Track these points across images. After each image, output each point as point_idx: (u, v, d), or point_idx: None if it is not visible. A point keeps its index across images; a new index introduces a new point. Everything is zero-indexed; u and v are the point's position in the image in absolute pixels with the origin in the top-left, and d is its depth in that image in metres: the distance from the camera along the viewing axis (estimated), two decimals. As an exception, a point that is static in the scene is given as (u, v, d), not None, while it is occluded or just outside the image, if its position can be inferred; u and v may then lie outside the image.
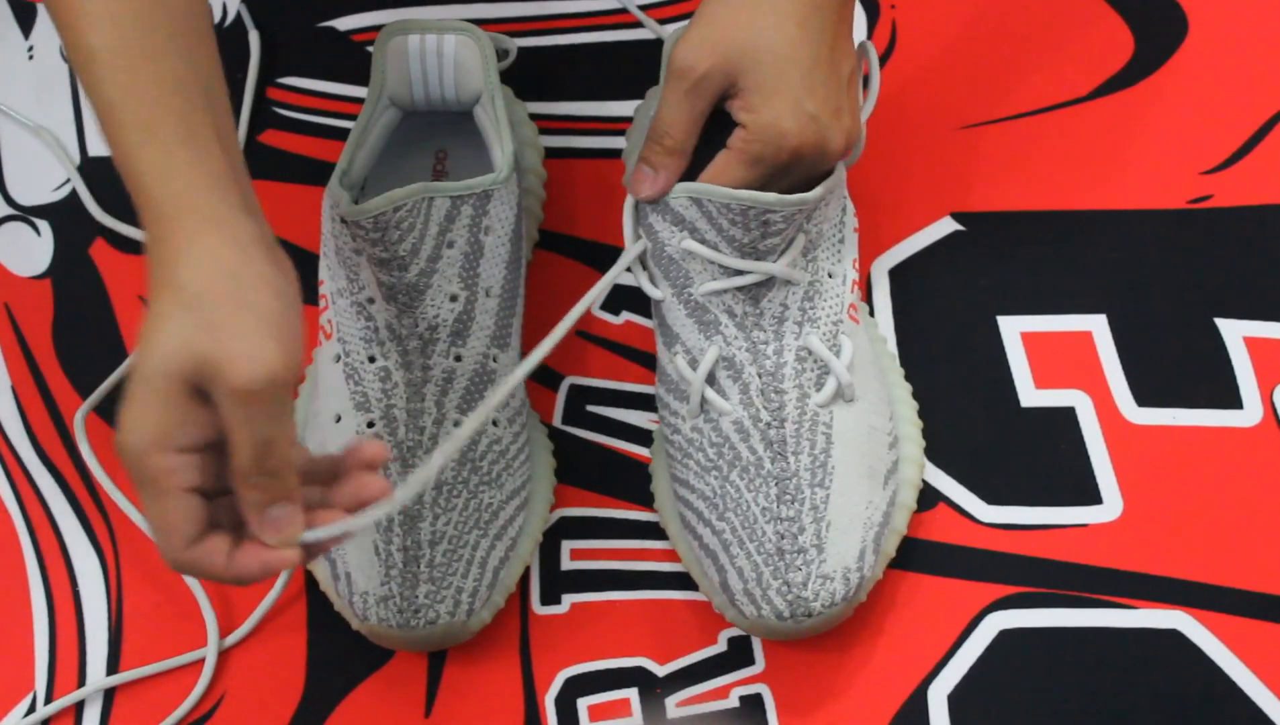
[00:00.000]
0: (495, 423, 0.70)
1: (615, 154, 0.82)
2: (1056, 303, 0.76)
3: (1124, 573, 0.70)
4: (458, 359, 0.69)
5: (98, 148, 0.87)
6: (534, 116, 0.81)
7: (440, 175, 0.78)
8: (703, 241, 0.67)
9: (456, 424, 0.69)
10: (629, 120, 0.80)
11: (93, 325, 0.81)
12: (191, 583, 0.74)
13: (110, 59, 0.56)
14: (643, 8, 0.87)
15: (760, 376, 0.68)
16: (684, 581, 0.72)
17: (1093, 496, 0.72)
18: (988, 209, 0.79)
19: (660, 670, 0.70)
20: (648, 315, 0.78)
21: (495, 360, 0.70)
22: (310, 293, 0.71)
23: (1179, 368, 0.74)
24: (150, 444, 0.53)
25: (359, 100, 0.85)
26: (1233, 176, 0.79)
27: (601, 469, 0.75)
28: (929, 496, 0.73)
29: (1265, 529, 0.71)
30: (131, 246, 0.83)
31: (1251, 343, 0.75)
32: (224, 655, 0.73)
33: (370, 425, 0.69)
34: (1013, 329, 0.76)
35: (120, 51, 0.56)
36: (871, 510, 0.68)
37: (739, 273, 0.67)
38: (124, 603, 0.74)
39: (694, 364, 0.69)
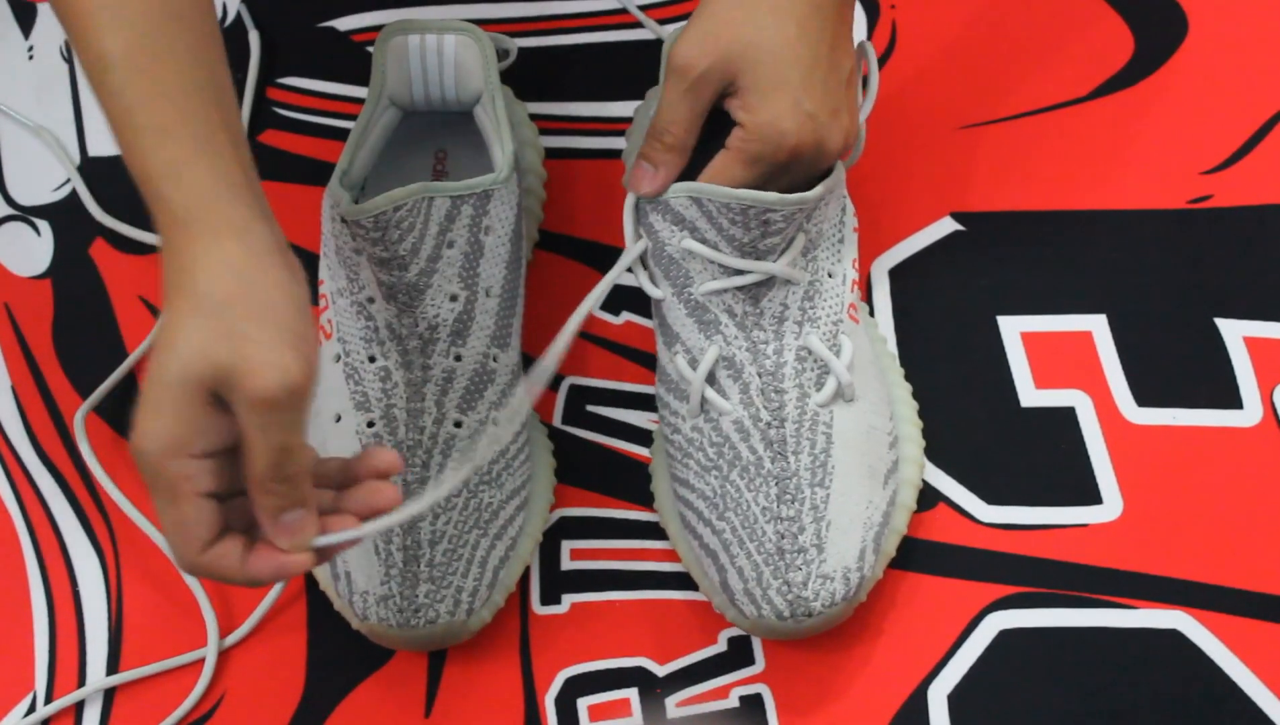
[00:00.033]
0: (495, 422, 0.70)
1: (615, 154, 0.82)
2: (1056, 303, 0.76)
3: (1124, 573, 0.70)
4: (458, 359, 0.69)
5: (98, 148, 0.87)
6: (534, 116, 0.81)
7: (440, 175, 0.78)
8: (703, 241, 0.67)
9: (457, 424, 0.69)
10: (629, 120, 0.80)
11: (93, 325, 0.81)
12: (191, 582, 0.74)
13: (124, 63, 0.56)
14: (643, 8, 0.87)
15: (760, 376, 0.68)
16: (684, 581, 0.72)
17: (1093, 496, 0.72)
18: (988, 209, 0.79)
19: (660, 670, 0.70)
20: (648, 315, 0.78)
21: (495, 360, 0.70)
22: (310, 292, 0.71)
23: (1179, 368, 0.74)
24: (167, 449, 0.53)
25: (359, 100, 0.85)
26: (1233, 176, 0.79)
27: (601, 469, 0.75)
28: (929, 496, 0.73)
29: (1265, 529, 0.71)
30: (131, 246, 0.83)
31: (1251, 343, 0.75)
32: (224, 655, 0.73)
33: (370, 425, 0.69)
34: (1013, 329, 0.76)
35: (134, 55, 0.56)
36: (871, 510, 0.68)
37: (739, 272, 0.67)
38: (124, 603, 0.74)
39: (694, 364, 0.69)
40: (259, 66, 0.87)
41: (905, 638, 0.70)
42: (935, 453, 0.73)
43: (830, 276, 0.70)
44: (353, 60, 0.87)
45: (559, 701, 0.70)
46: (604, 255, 0.80)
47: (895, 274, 0.78)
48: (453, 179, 0.77)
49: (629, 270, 0.70)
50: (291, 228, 0.76)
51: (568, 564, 0.73)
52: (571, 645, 0.71)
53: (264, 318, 0.53)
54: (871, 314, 0.77)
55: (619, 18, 0.87)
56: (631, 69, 0.85)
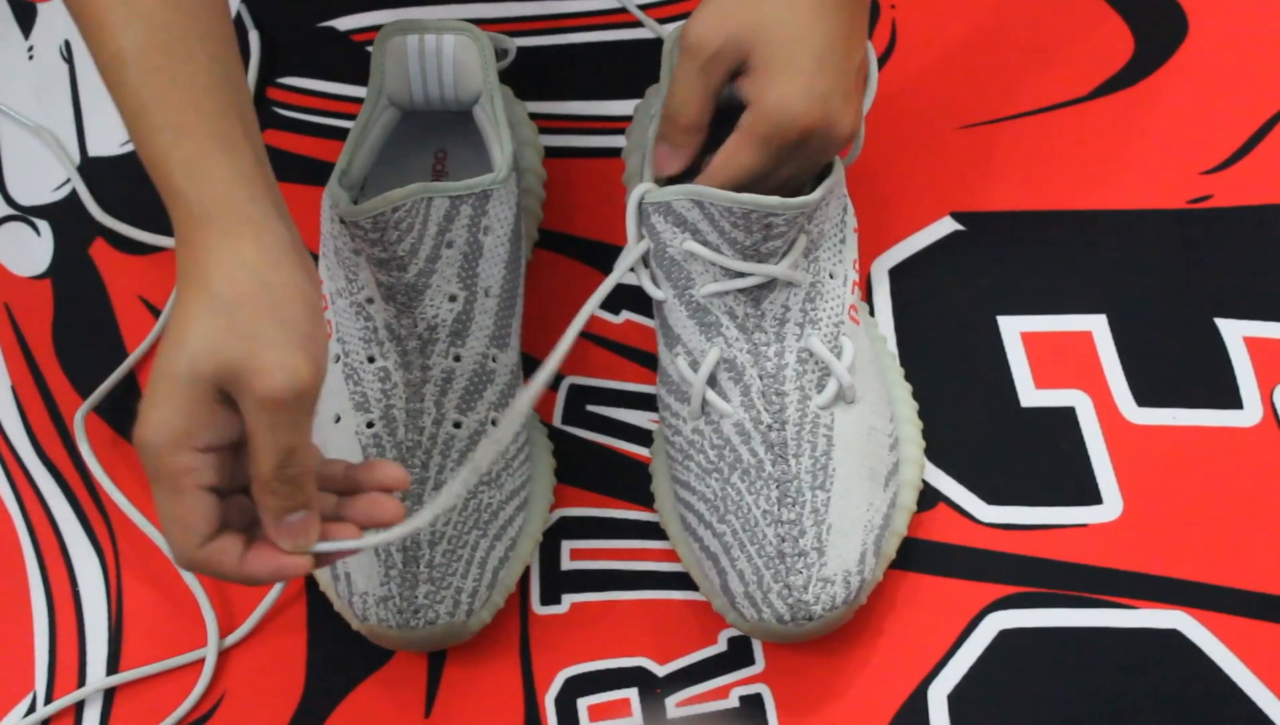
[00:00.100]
0: (495, 423, 0.70)
1: (615, 153, 0.82)
2: (1056, 303, 0.76)
3: (1124, 573, 0.70)
4: (457, 359, 0.69)
5: (98, 148, 0.87)
6: (534, 116, 0.81)
7: (440, 175, 0.78)
8: (704, 243, 0.67)
9: (456, 425, 0.69)
10: (629, 119, 0.80)
11: (93, 325, 0.81)
12: (191, 582, 0.74)
13: (140, 60, 0.56)
14: (642, 7, 0.87)
15: (761, 378, 0.68)
16: (684, 582, 0.72)
17: (1093, 496, 0.72)
18: (988, 209, 0.79)
19: (660, 670, 0.70)
20: (648, 315, 0.78)
21: (494, 360, 0.70)
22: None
23: (1179, 368, 0.74)
24: (171, 442, 0.53)
25: (359, 100, 0.85)
26: (1233, 176, 0.79)
27: (601, 469, 0.75)
28: (929, 497, 0.73)
29: (1265, 529, 0.71)
30: (131, 246, 0.83)
31: (1251, 343, 0.75)
32: (224, 655, 0.73)
33: (369, 425, 0.69)
34: (1013, 329, 0.76)
35: (150, 53, 0.56)
36: (872, 513, 0.68)
37: (740, 274, 0.67)
38: (124, 603, 0.74)
39: (695, 365, 0.69)
40: (259, 66, 0.87)
41: (905, 638, 0.70)
42: (935, 453, 0.73)
43: (831, 277, 0.70)
44: (352, 60, 0.87)
45: (559, 701, 0.70)
46: (604, 254, 0.80)
47: (895, 274, 0.78)
48: (452, 179, 0.77)
49: (630, 270, 0.70)
50: (291, 228, 0.77)
51: (568, 564, 0.73)
52: (571, 645, 0.71)
53: (275, 318, 0.54)
54: (872, 314, 0.77)
55: (619, 17, 0.87)
56: (631, 68, 0.85)
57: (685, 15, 0.84)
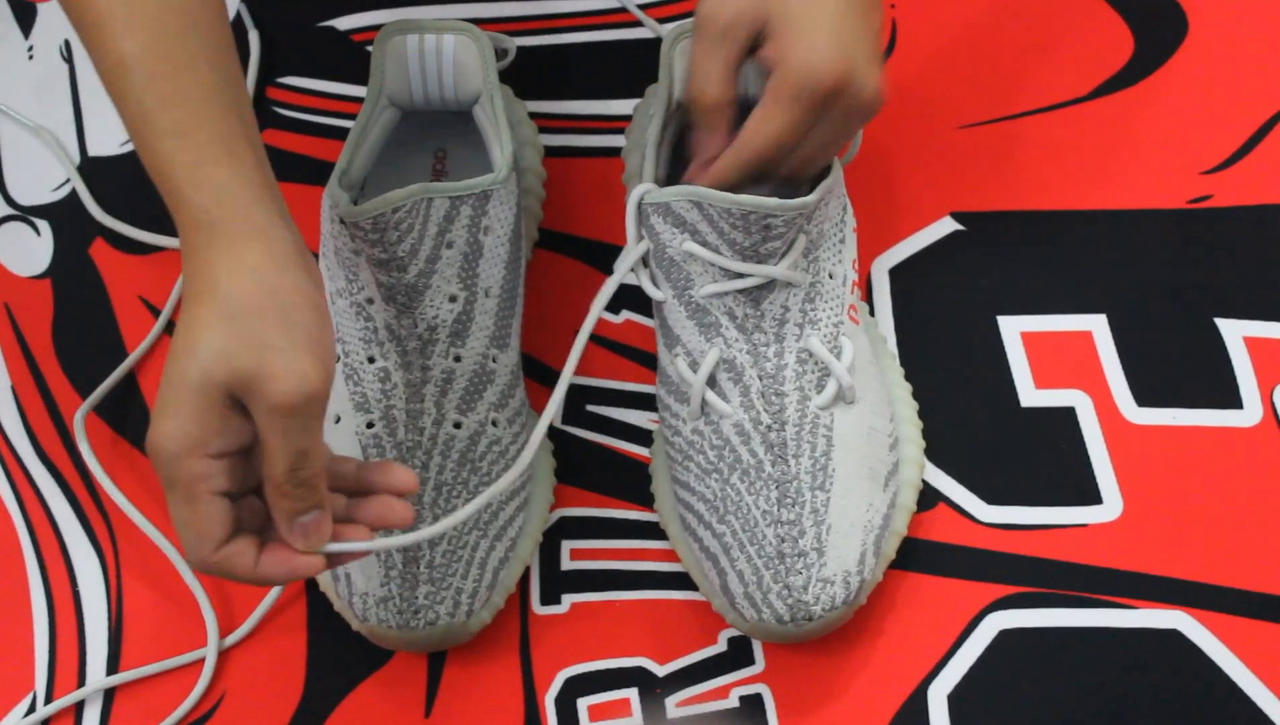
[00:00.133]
0: (495, 423, 0.70)
1: (615, 153, 0.82)
2: (1056, 303, 0.76)
3: (1124, 573, 0.70)
4: (457, 359, 0.69)
5: (98, 148, 0.87)
6: (533, 116, 0.81)
7: (440, 175, 0.78)
8: (704, 244, 0.67)
9: (456, 425, 0.69)
10: (629, 119, 0.80)
11: (93, 325, 0.81)
12: (191, 582, 0.74)
13: (142, 65, 0.56)
14: (642, 7, 0.87)
15: (761, 379, 0.68)
16: (684, 581, 0.72)
17: (1093, 496, 0.72)
18: (988, 209, 0.79)
19: (660, 670, 0.70)
20: (648, 315, 0.78)
21: (494, 360, 0.70)
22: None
23: (1179, 368, 0.74)
24: (184, 450, 0.53)
25: (359, 100, 0.85)
26: (1233, 176, 0.79)
27: (601, 469, 0.75)
28: (929, 497, 0.73)
29: (1265, 529, 0.71)
30: (131, 246, 0.83)
31: (1251, 343, 0.75)
32: (224, 655, 0.73)
33: (370, 426, 0.69)
34: (1013, 329, 0.76)
35: (152, 58, 0.56)
36: (872, 513, 0.68)
37: (740, 275, 0.67)
38: (124, 603, 0.74)
39: (695, 366, 0.69)
40: (259, 66, 0.87)
41: (905, 638, 0.70)
42: (935, 453, 0.73)
43: (831, 278, 0.70)
44: (352, 60, 0.87)
45: (559, 701, 0.70)
46: (604, 254, 0.80)
47: (895, 274, 0.78)
48: (452, 178, 0.77)
49: (630, 270, 0.70)
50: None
51: (568, 564, 0.73)
52: (571, 645, 0.71)
53: (284, 323, 0.54)
54: (871, 314, 0.77)
55: (618, 17, 0.87)
56: (631, 68, 0.85)
57: (686, 15, 0.85)
